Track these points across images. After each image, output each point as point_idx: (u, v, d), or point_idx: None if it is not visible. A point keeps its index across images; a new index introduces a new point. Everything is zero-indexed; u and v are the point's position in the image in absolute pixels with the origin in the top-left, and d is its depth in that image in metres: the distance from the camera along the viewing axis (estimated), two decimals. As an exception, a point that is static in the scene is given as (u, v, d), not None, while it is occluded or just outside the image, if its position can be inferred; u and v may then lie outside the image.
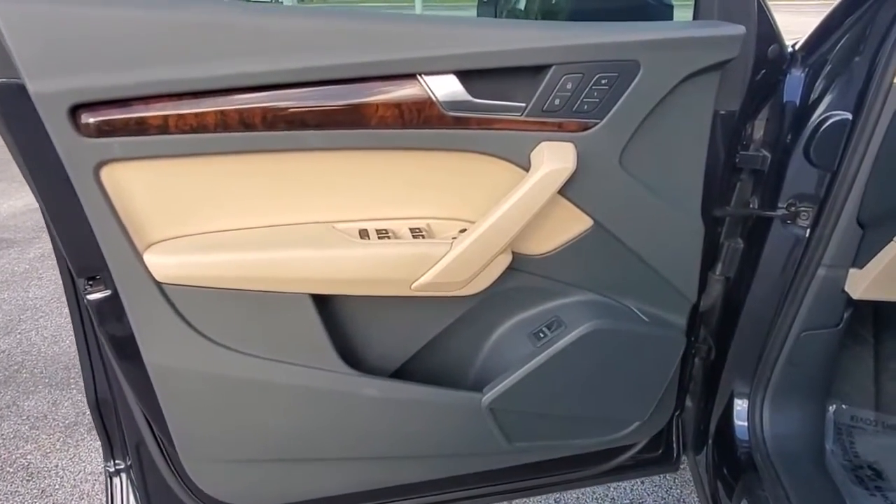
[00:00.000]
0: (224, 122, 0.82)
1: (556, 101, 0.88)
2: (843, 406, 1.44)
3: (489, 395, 1.07)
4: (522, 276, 1.04)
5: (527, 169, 0.92)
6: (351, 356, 1.05)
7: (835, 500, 1.15)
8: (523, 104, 0.89)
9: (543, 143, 0.90)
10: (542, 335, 1.07)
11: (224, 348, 0.96)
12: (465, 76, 0.86)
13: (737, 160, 1.14)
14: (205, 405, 1.00)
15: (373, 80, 0.85)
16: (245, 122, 0.83)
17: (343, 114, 0.85)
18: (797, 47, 1.13)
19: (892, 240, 0.99)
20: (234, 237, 0.90)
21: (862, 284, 1.08)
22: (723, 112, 1.03)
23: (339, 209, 0.94)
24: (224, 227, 0.91)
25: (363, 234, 0.94)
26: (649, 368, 1.15)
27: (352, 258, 0.91)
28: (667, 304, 1.11)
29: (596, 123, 0.91)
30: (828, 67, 1.08)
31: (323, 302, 0.98)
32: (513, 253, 1.00)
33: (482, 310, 1.07)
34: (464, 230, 0.96)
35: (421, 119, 0.87)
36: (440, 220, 0.97)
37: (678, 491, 1.88)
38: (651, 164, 0.98)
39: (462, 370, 1.13)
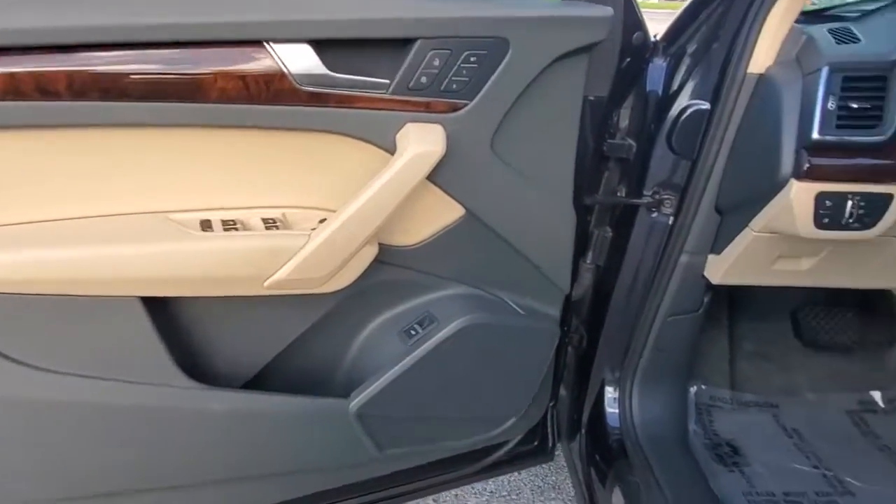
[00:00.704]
0: (15, 89, 0.67)
1: (423, 79, 0.81)
2: (703, 387, 1.50)
3: (356, 402, 0.98)
4: (391, 269, 0.96)
5: (392, 152, 0.84)
6: (195, 367, 0.92)
7: (697, 480, 1.18)
8: (387, 81, 0.81)
9: (410, 125, 0.83)
10: (413, 332, 1.00)
11: (28, 368, 0.80)
12: (321, 46, 0.77)
13: (605, 148, 1.13)
14: (7, 438, 0.83)
15: (211, 46, 0.73)
16: (46, 88, 0.68)
17: (175, 84, 0.72)
18: (658, 37, 1.15)
19: (747, 226, 1.02)
20: (36, 231, 0.75)
21: (720, 270, 1.11)
22: (592, 98, 1.01)
23: (174, 197, 0.81)
24: (22, 218, 0.75)
25: (205, 225, 0.82)
26: (525, 362, 1.12)
27: (191, 253, 0.78)
28: (541, 295, 1.09)
29: (465, 104, 0.84)
30: (687, 57, 1.09)
31: (157, 306, 0.85)
32: (379, 244, 0.92)
33: (347, 308, 0.98)
34: (324, 220, 0.86)
35: (270, 94, 0.76)
36: (297, 210, 0.87)
37: (553, 478, 1.90)
38: (523, 150, 0.94)
39: (327, 375, 1.03)
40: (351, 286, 0.90)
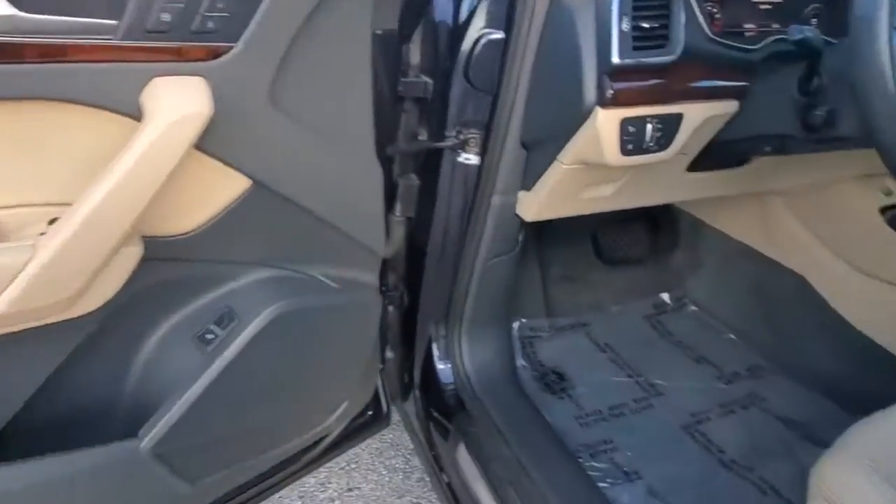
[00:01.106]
0: None
1: (165, 17, 0.61)
2: (523, 320, 1.52)
3: (148, 439, 0.79)
4: (166, 266, 0.77)
5: (139, 119, 0.64)
6: None
7: (534, 417, 1.19)
8: (114, 22, 0.60)
9: (157, 80, 0.63)
10: (210, 337, 0.83)
11: None
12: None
13: (400, 89, 1.02)
14: None
15: None
16: None
17: None
18: (441, -40, 1.04)
19: (555, 160, 0.99)
20: None
21: (533, 207, 1.08)
22: (380, 32, 0.88)
23: None
24: None
25: None
26: (349, 341, 1.01)
27: None
28: (356, 263, 0.97)
29: (230, 48, 0.67)
30: (476, -19, 1.01)
31: None
32: (145, 239, 0.72)
33: (117, 324, 0.77)
34: (55, 220, 0.64)
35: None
36: (12, 210, 0.64)
37: (391, 435, 1.85)
38: (309, 100, 0.79)
39: (104, 414, 0.82)
40: (116, 298, 0.69)
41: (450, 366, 1.23)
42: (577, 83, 0.88)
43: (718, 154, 1.09)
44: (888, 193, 1.29)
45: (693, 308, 1.64)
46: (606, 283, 1.66)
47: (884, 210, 1.27)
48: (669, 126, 0.94)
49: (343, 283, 0.95)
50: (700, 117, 0.96)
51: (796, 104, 0.90)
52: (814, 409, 1.33)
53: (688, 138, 0.97)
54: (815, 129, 0.87)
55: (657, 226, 1.69)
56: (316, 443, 1.11)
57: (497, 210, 1.08)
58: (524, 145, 1.03)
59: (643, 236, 1.68)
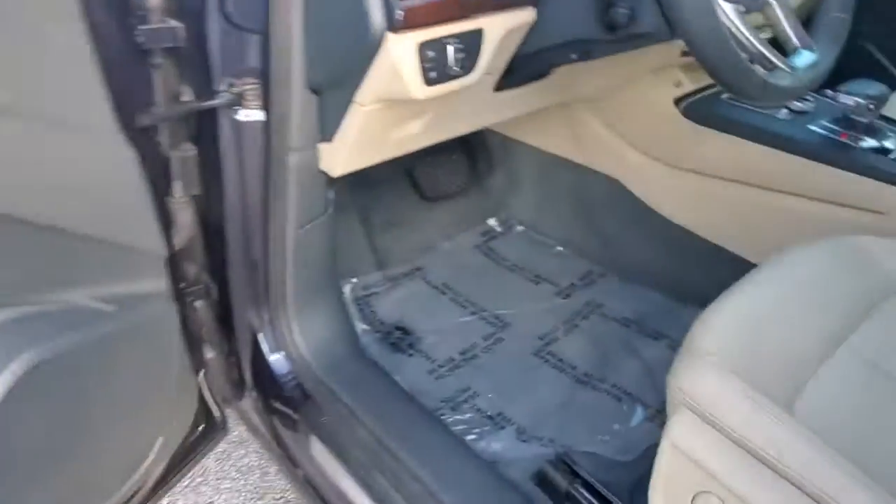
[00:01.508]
0: None
1: None
2: (354, 280, 1.39)
3: None
4: None
5: None
6: None
7: (386, 386, 1.09)
8: None
9: None
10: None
11: None
12: None
13: (141, 40, 0.80)
14: None
15: None
16: None
17: None
18: None
19: (352, 102, 0.84)
20: None
21: (337, 160, 0.93)
22: None
23: None
24: None
25: None
26: (144, 368, 0.81)
27: None
28: (131, 272, 0.76)
29: None
30: None
31: None
32: None
33: None
34: None
35: None
36: None
37: (236, 431, 1.66)
38: (8, 82, 0.56)
39: None
40: None
41: (282, 354, 1.08)
42: (360, 7, 0.73)
43: (524, 68, 1.02)
44: (678, 84, 1.32)
45: (520, 228, 1.63)
46: (432, 221, 1.58)
47: (677, 101, 1.31)
48: (472, 45, 0.83)
49: (120, 302, 0.75)
50: (500, 30, 0.86)
51: (595, 5, 0.84)
52: (645, 303, 1.39)
53: (492, 56, 0.87)
54: (619, 27, 0.81)
55: (472, 152, 1.62)
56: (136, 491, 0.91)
57: (297, 170, 0.92)
58: (313, 90, 0.87)
59: (460, 165, 1.61)
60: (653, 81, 1.31)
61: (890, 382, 0.80)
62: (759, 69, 0.78)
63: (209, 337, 1.14)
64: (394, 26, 0.73)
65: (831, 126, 1.16)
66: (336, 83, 0.84)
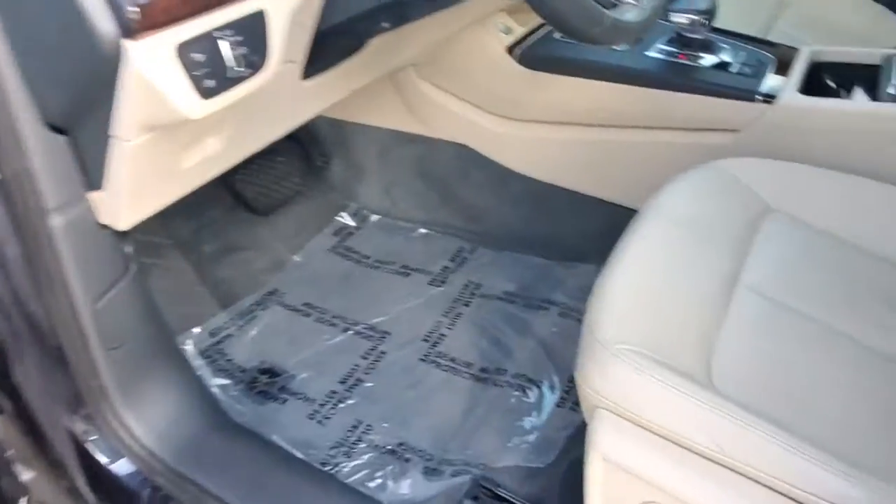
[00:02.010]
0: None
1: None
2: (197, 330, 1.17)
3: None
4: None
5: None
6: None
7: (260, 451, 0.91)
8: None
9: None
10: None
11: None
12: None
13: None
14: None
15: None
16: None
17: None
18: None
19: (112, 136, 0.63)
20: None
21: (120, 210, 0.72)
22: None
23: None
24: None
25: None
26: None
27: None
28: None
29: None
30: None
31: None
32: None
33: None
34: None
35: None
36: None
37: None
38: None
39: None
40: None
41: (120, 456, 0.86)
42: (74, 10, 0.52)
43: (331, 47, 0.84)
44: (508, 31, 1.20)
45: (375, 218, 1.47)
46: (274, 235, 1.37)
47: (510, 49, 1.19)
48: (253, 33, 0.64)
49: None
50: (286, 6, 0.68)
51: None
52: (524, 270, 1.29)
53: (285, 41, 0.68)
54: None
55: (300, 146, 1.42)
56: None
57: (66, 234, 0.70)
58: (55, 128, 0.64)
59: (289, 165, 1.40)
60: (479, 32, 1.18)
61: (793, 317, 0.75)
62: (598, 8, 0.67)
63: (22, 456, 0.89)
64: (130, 30, 0.53)
65: (667, 48, 1.10)
66: (80, 116, 0.62)
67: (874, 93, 0.97)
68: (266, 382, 1.10)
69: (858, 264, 0.83)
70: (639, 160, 1.12)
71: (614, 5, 0.68)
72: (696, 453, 0.61)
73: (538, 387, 1.06)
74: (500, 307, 1.22)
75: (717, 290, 0.77)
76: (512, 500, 0.86)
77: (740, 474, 0.60)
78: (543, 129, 1.21)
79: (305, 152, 1.44)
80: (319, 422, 1.03)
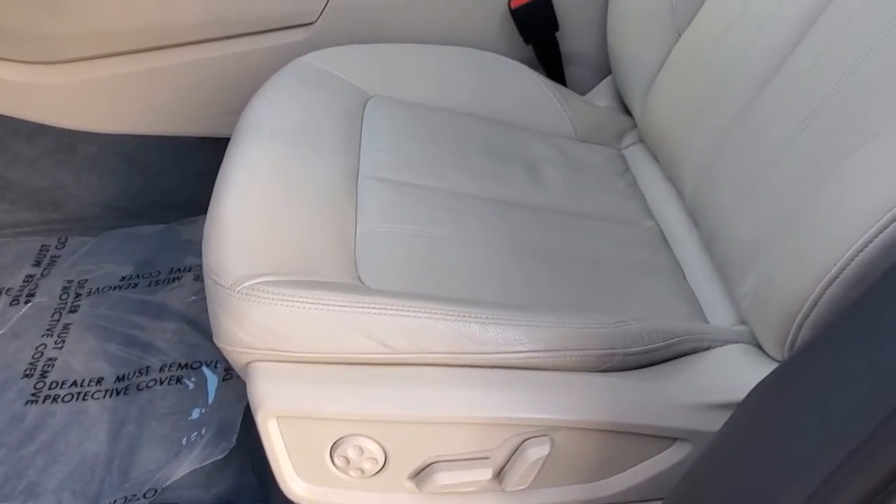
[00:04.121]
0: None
1: None
2: None
3: None
4: None
5: None
6: None
7: None
8: None
9: None
10: None
11: None
12: None
13: None
14: None
15: None
16: None
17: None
18: None
19: None
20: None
21: None
22: None
23: None
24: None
25: None
26: None
27: None
28: None
29: None
30: None
31: None
32: None
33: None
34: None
35: None
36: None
37: None
38: None
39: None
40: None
41: None
42: None
43: None
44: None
45: None
46: None
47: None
48: None
49: None
50: None
51: None
52: (136, 245, 1.05)
53: None
54: None
55: None
56: None
57: None
58: None
59: None
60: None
61: (419, 192, 0.72)
62: None
63: None
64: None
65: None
66: None
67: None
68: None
69: (457, 127, 0.84)
70: (219, 79, 0.96)
71: None
72: (369, 363, 0.54)
73: (195, 369, 0.88)
74: (120, 297, 0.98)
75: (340, 188, 0.69)
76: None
77: (421, 364, 0.55)
78: (92, 68, 0.96)
79: None
80: None
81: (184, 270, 1.02)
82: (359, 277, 0.60)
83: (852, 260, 0.44)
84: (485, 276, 0.64)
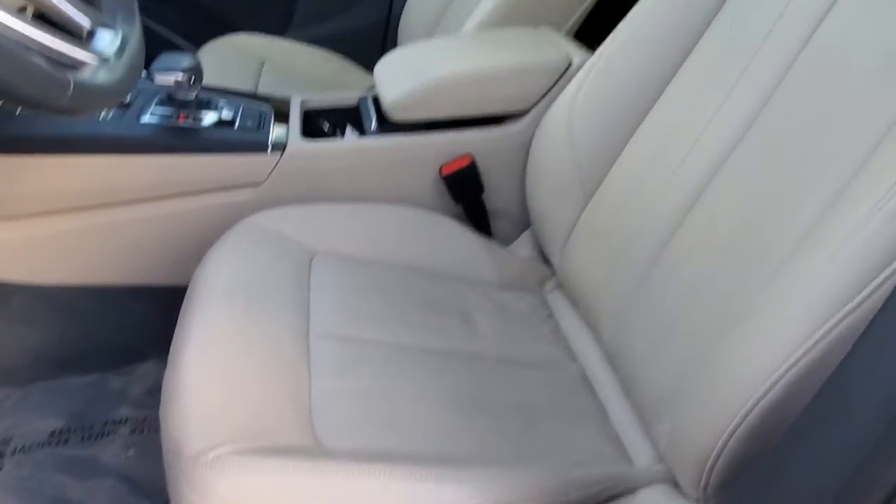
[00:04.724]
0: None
1: None
2: None
3: None
4: None
5: None
6: None
7: None
8: None
9: None
10: None
11: None
12: None
13: None
14: None
15: None
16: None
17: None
18: None
19: None
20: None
21: None
22: None
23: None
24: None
25: None
26: None
27: None
28: None
29: None
30: None
31: None
32: None
33: None
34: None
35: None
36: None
37: None
38: None
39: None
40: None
41: None
42: None
43: None
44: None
45: None
46: None
47: None
48: None
49: None
50: None
51: None
52: (67, 397, 1.03)
53: None
54: None
55: None
56: None
57: None
58: None
59: None
60: None
61: (367, 348, 0.77)
62: (56, 71, 0.55)
63: None
64: None
65: (164, 111, 1.01)
66: None
67: (361, 128, 1.09)
68: None
69: (398, 280, 0.92)
70: (165, 234, 1.01)
71: (75, 68, 0.57)
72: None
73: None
74: (48, 455, 0.95)
75: (293, 349, 0.74)
76: None
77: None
78: (39, 224, 0.98)
79: None
80: None
81: (118, 423, 1.00)
82: (316, 436, 0.64)
83: (745, 419, 0.53)
84: (436, 429, 0.68)
